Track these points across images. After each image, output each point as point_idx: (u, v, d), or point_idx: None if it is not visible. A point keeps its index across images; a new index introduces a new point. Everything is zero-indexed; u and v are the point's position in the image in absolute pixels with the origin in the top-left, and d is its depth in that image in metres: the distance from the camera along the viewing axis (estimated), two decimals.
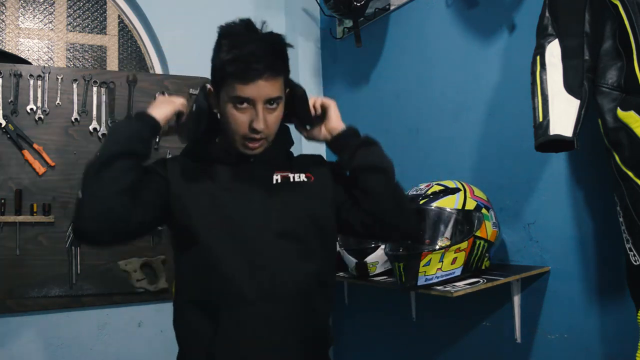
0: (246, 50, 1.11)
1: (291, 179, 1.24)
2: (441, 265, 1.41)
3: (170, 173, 1.19)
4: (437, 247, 1.41)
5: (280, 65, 1.16)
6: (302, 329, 1.20)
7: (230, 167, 1.22)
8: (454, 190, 1.49)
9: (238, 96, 1.13)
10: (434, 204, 1.46)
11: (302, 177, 1.25)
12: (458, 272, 1.43)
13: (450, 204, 1.46)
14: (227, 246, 1.15)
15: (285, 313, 1.17)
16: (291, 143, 1.33)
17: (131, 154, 1.11)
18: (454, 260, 1.42)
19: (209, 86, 1.22)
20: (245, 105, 1.14)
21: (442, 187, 1.50)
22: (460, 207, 1.46)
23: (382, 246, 1.64)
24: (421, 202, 1.47)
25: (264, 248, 1.17)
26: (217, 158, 1.23)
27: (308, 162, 1.30)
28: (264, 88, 1.13)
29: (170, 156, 1.28)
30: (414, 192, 1.52)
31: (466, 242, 1.42)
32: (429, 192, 1.49)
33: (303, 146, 1.44)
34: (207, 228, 1.15)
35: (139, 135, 1.15)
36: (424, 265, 1.40)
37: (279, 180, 1.23)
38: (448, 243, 1.42)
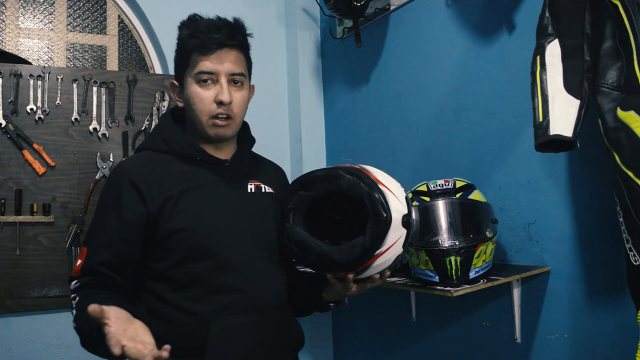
0: (204, 23, 1.15)
1: (263, 190, 1.27)
2: (485, 257, 1.41)
3: (146, 191, 1.13)
4: (487, 237, 1.41)
5: (240, 38, 1.18)
6: (284, 335, 1.23)
7: (208, 169, 1.21)
8: (473, 186, 1.51)
9: (201, 70, 1.14)
10: (471, 197, 1.47)
11: (269, 189, 1.28)
12: (491, 264, 1.45)
13: (480, 197, 1.48)
14: (212, 253, 1.14)
15: (270, 321, 1.19)
16: (253, 141, 1.34)
17: None
18: (491, 251, 1.44)
19: (172, 81, 1.23)
20: (209, 81, 1.14)
21: (464, 182, 1.51)
22: (486, 200, 1.49)
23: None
24: (457, 195, 1.46)
25: (247, 257, 1.17)
26: (189, 155, 1.20)
27: (274, 175, 1.34)
28: (226, 60, 1.15)
29: (124, 163, 1.20)
30: (438, 187, 1.49)
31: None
32: (457, 186, 1.49)
33: (266, 146, 1.45)
34: (192, 234, 1.13)
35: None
36: (476, 257, 1.38)
37: (253, 190, 1.25)
38: (492, 234, 1.43)
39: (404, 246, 1.12)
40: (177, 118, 1.26)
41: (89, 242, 1.14)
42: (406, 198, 1.15)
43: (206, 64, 1.14)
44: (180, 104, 1.22)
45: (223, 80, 1.15)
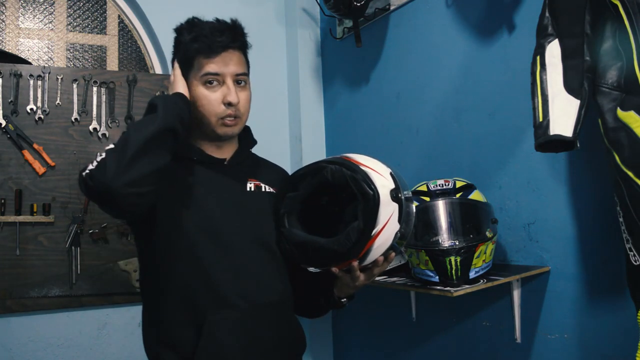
0: (207, 27, 1.18)
1: (263, 189, 1.28)
2: (485, 257, 1.41)
3: None
4: (487, 237, 1.41)
5: (242, 40, 1.22)
6: (282, 334, 1.23)
7: (206, 168, 1.22)
8: (473, 186, 1.50)
9: (207, 72, 1.16)
10: (471, 197, 1.47)
11: (270, 188, 1.29)
12: (491, 264, 1.45)
13: (480, 197, 1.48)
14: (210, 250, 1.15)
15: (267, 318, 1.19)
16: (254, 142, 1.35)
17: (176, 133, 1.08)
18: (491, 251, 1.44)
19: None
20: (215, 83, 1.17)
21: (464, 182, 1.51)
22: (486, 200, 1.49)
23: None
24: (457, 195, 1.46)
25: (246, 255, 1.18)
26: (186, 155, 1.22)
27: (275, 176, 1.34)
28: (230, 62, 1.18)
29: None
30: (438, 187, 1.49)
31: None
32: (457, 186, 1.49)
33: (266, 146, 1.47)
34: (190, 230, 1.14)
35: (183, 116, 1.11)
36: (476, 257, 1.39)
37: (252, 189, 1.26)
38: (492, 234, 1.43)
39: (399, 221, 1.11)
40: None
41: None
42: (391, 174, 1.14)
43: (212, 67, 1.17)
44: None
45: (229, 82, 1.18)
